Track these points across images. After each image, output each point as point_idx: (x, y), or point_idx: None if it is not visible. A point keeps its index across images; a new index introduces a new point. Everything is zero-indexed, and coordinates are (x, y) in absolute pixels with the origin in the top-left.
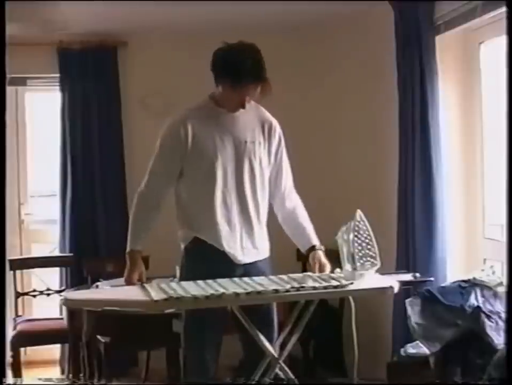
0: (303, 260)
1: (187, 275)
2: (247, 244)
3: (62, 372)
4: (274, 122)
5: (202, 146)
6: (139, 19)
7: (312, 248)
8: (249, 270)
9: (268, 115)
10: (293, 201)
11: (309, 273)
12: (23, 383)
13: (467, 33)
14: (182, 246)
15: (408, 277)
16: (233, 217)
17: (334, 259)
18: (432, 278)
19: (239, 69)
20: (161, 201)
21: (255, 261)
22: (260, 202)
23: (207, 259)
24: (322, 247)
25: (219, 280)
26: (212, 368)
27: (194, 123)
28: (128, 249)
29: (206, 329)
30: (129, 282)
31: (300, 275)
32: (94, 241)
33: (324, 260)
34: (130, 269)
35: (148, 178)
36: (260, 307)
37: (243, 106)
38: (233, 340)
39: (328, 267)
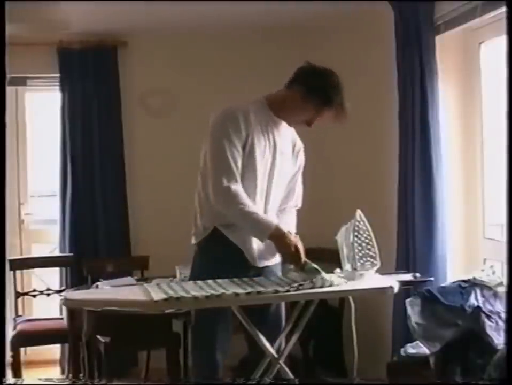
0: None
1: (201, 268)
2: (265, 248)
3: (62, 372)
4: (301, 145)
5: (253, 145)
6: (139, 19)
7: None
8: (262, 273)
9: (297, 136)
10: (288, 213)
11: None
12: (23, 383)
13: (467, 33)
14: (197, 238)
15: (408, 277)
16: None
17: (334, 259)
18: (432, 278)
19: (332, 93)
20: None
21: (269, 266)
22: (281, 210)
23: (225, 256)
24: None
25: (219, 280)
26: (221, 368)
27: (252, 120)
28: (272, 229)
29: (216, 329)
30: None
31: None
32: (94, 241)
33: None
34: (292, 245)
35: (230, 169)
36: (269, 308)
37: (310, 125)
38: (233, 340)
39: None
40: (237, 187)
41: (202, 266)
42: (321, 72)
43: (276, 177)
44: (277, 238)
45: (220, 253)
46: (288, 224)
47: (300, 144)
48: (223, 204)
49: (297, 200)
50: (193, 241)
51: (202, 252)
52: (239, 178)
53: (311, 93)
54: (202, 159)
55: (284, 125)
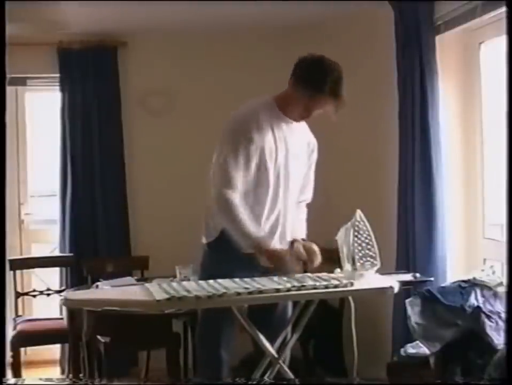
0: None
1: (213, 268)
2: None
3: (62, 372)
4: (315, 142)
5: (263, 149)
6: (139, 19)
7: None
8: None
9: (311, 133)
10: (301, 208)
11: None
12: (24, 383)
13: (467, 33)
14: (208, 239)
15: (408, 277)
16: (275, 223)
17: (334, 259)
18: (432, 278)
19: (325, 81)
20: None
21: None
22: (295, 211)
23: (234, 257)
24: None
25: (220, 280)
26: (226, 366)
27: (264, 122)
28: (257, 241)
29: (221, 327)
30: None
31: (300, 274)
32: (94, 241)
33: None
34: (285, 254)
35: (232, 179)
36: (275, 308)
37: (308, 117)
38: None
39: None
40: (233, 196)
41: (214, 266)
42: (310, 59)
43: (292, 178)
44: (260, 250)
45: (230, 254)
46: (302, 221)
47: (314, 142)
48: (217, 211)
49: (309, 193)
50: (204, 241)
51: (212, 252)
52: (238, 187)
53: (300, 82)
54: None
55: (296, 125)
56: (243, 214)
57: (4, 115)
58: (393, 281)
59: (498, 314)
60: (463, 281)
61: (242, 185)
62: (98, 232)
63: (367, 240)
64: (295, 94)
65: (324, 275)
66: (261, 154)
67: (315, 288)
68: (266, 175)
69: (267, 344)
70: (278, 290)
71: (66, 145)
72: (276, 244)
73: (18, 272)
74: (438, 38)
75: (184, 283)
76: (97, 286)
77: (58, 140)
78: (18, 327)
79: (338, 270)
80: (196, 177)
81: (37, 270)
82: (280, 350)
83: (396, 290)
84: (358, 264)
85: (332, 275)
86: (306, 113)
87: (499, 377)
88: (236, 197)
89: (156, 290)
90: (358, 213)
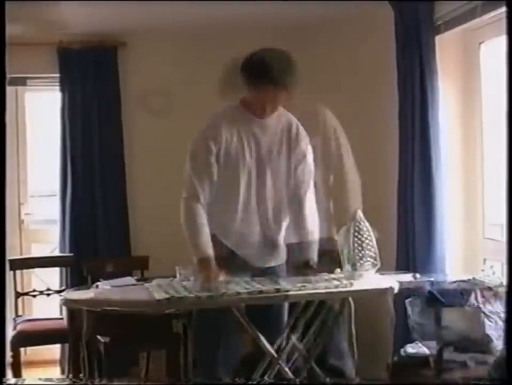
0: None
1: None
2: (265, 250)
3: (62, 372)
4: (298, 124)
5: (231, 151)
6: (139, 19)
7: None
8: (267, 274)
9: (298, 124)
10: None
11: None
12: (24, 383)
13: (467, 33)
14: None
15: (408, 277)
16: (253, 224)
17: (335, 259)
18: (432, 278)
19: (263, 72)
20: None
21: (273, 266)
22: (281, 209)
23: (229, 259)
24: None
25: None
26: (226, 367)
27: (225, 129)
28: (200, 256)
29: (221, 328)
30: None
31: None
32: (94, 241)
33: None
34: (210, 274)
35: (193, 187)
36: (271, 308)
37: (265, 111)
38: None
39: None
40: (197, 208)
41: None
42: (252, 54)
43: (270, 177)
44: (200, 265)
45: (224, 256)
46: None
47: (296, 128)
48: (182, 219)
49: (308, 185)
50: None
51: None
52: (202, 197)
53: (246, 77)
54: None
55: (270, 120)
56: (203, 227)
57: (4, 115)
58: (393, 281)
59: (498, 314)
60: (463, 281)
61: (209, 191)
62: (98, 232)
63: (367, 241)
64: (248, 91)
65: (324, 275)
66: (223, 159)
67: (315, 288)
68: (235, 177)
69: (267, 344)
70: (278, 290)
71: (66, 145)
72: (268, 250)
73: (18, 272)
74: (438, 38)
75: (184, 283)
76: (97, 286)
77: (58, 140)
78: (18, 327)
79: (338, 270)
80: None
81: (37, 270)
82: (280, 350)
83: (396, 290)
84: (358, 264)
85: (332, 275)
86: (262, 107)
87: (499, 378)
88: (200, 209)
89: (156, 290)
90: (358, 213)
